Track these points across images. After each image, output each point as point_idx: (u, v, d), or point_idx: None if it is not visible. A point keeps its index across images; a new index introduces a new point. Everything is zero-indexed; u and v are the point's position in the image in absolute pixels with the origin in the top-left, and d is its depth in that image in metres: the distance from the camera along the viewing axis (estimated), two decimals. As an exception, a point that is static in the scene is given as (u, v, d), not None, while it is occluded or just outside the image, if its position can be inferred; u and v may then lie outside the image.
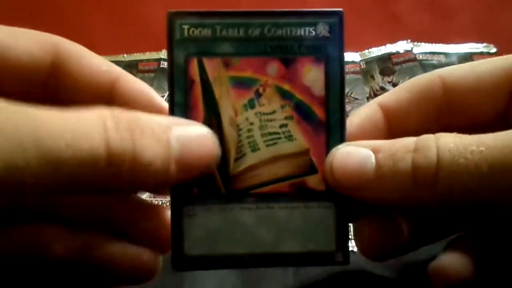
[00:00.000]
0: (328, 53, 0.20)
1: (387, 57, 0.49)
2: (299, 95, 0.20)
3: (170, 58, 0.19)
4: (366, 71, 0.48)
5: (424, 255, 0.21)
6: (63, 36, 0.22)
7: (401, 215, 0.20)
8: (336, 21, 0.20)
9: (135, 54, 0.52)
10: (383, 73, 0.48)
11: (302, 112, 0.20)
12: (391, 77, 0.48)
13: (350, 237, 0.20)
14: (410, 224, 0.20)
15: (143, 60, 0.52)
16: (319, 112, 0.20)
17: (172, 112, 0.19)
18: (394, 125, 0.21)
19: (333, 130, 0.20)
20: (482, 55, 0.47)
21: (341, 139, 0.20)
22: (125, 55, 0.52)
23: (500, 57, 0.22)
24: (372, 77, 0.48)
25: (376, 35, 0.51)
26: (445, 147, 0.17)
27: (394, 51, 0.49)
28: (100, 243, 0.20)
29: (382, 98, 0.22)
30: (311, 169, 0.20)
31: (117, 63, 0.53)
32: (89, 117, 0.15)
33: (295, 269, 0.23)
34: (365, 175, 0.18)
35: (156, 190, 0.20)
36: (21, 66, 0.20)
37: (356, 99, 0.45)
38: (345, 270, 0.23)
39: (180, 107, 0.19)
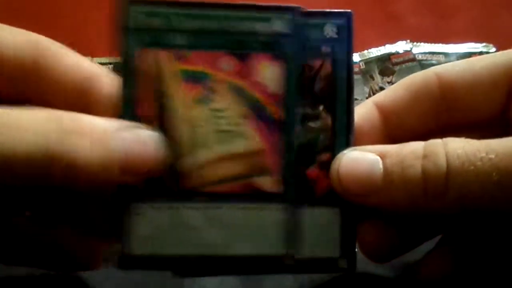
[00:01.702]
0: (286, 51, 0.19)
1: (387, 57, 0.49)
2: (253, 93, 0.19)
3: (122, 48, 0.18)
4: (366, 71, 0.48)
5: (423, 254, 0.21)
6: (62, 36, 0.22)
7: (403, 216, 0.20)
8: (290, 17, 0.19)
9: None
10: (383, 73, 0.48)
11: (257, 110, 0.19)
12: (391, 77, 0.48)
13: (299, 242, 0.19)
14: (412, 224, 0.20)
15: (143, 61, 0.52)
16: (274, 111, 0.19)
17: (122, 105, 0.19)
18: (391, 124, 0.21)
19: (289, 130, 0.19)
20: (481, 55, 0.47)
21: (289, 139, 0.19)
22: (124, 56, 0.52)
23: (498, 53, 0.22)
24: (372, 77, 0.48)
25: (376, 35, 0.51)
26: (453, 153, 0.17)
27: (393, 51, 0.49)
28: (60, 234, 0.21)
29: (378, 97, 0.22)
30: (264, 170, 0.19)
31: (117, 64, 0.53)
32: (38, 118, 0.16)
33: (295, 270, 0.23)
34: (373, 181, 0.18)
35: (101, 193, 0.21)
36: (7, 60, 0.19)
37: (355, 99, 0.45)
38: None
39: (130, 100, 0.18)
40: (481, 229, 0.20)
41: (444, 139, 0.18)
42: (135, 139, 0.17)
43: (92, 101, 0.20)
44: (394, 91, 0.22)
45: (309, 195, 0.19)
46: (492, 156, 0.16)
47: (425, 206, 0.17)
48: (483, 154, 0.17)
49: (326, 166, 0.19)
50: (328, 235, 0.19)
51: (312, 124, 0.19)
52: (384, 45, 0.49)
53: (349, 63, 0.19)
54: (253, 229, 0.19)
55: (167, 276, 0.23)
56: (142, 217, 0.19)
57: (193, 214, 0.19)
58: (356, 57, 0.49)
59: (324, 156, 0.19)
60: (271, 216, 0.19)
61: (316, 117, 0.19)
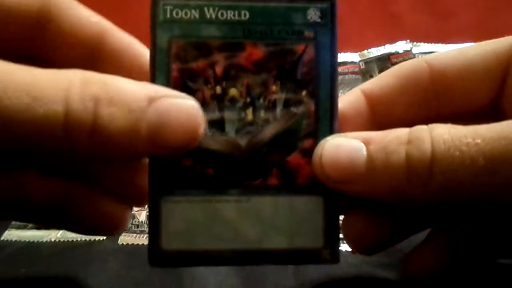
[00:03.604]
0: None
1: (387, 57, 0.49)
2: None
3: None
4: (366, 71, 0.48)
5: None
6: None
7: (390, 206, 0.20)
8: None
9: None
10: (383, 73, 0.48)
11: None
12: (391, 77, 0.48)
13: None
14: (399, 215, 0.20)
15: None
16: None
17: None
18: (379, 113, 0.21)
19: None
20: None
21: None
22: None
23: (491, 40, 0.21)
24: (372, 77, 0.48)
25: (375, 35, 0.51)
26: (439, 139, 0.16)
27: (393, 51, 0.49)
28: (76, 192, 0.20)
29: (366, 84, 0.21)
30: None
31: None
32: (56, 79, 0.15)
33: (295, 270, 0.23)
34: (356, 168, 0.17)
35: (126, 161, 0.20)
36: (6, 9, 0.19)
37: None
38: (345, 271, 0.23)
39: None
40: (470, 220, 0.20)
41: (430, 125, 0.17)
42: (173, 107, 0.16)
43: (105, 56, 0.20)
44: (383, 78, 0.21)
45: (290, 183, 0.19)
46: (479, 141, 0.16)
47: (409, 193, 0.17)
48: (470, 139, 0.16)
49: (308, 153, 0.19)
50: (310, 224, 0.19)
51: (294, 110, 0.19)
52: (384, 45, 0.49)
53: (333, 48, 0.19)
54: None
55: (167, 275, 0.23)
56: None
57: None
58: (356, 57, 0.49)
59: (307, 143, 0.19)
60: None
61: (298, 103, 0.19)
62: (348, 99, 0.21)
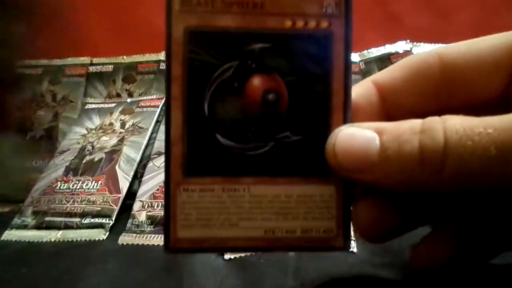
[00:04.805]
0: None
1: (387, 57, 0.49)
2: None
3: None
4: (366, 71, 0.48)
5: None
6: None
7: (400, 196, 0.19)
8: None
9: (134, 56, 0.52)
10: (383, 73, 0.48)
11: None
12: (391, 77, 0.48)
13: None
14: (408, 204, 0.20)
15: (143, 62, 0.52)
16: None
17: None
18: (389, 103, 0.21)
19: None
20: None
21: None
22: (124, 57, 0.52)
23: (502, 33, 0.21)
24: (372, 77, 0.48)
25: (376, 36, 0.51)
26: (452, 129, 0.17)
27: (393, 51, 0.49)
28: None
29: (377, 75, 0.22)
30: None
31: (117, 64, 0.53)
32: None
33: (295, 270, 0.23)
34: (369, 157, 0.17)
35: None
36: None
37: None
38: (346, 271, 0.23)
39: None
40: (479, 213, 0.20)
41: (443, 116, 0.17)
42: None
43: None
44: (394, 69, 0.22)
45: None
46: (490, 130, 0.16)
47: (421, 182, 0.17)
48: (481, 129, 0.16)
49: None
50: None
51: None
52: (384, 45, 0.49)
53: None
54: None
55: (167, 276, 0.23)
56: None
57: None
58: (356, 57, 0.49)
59: None
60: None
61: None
62: (359, 89, 0.21)
